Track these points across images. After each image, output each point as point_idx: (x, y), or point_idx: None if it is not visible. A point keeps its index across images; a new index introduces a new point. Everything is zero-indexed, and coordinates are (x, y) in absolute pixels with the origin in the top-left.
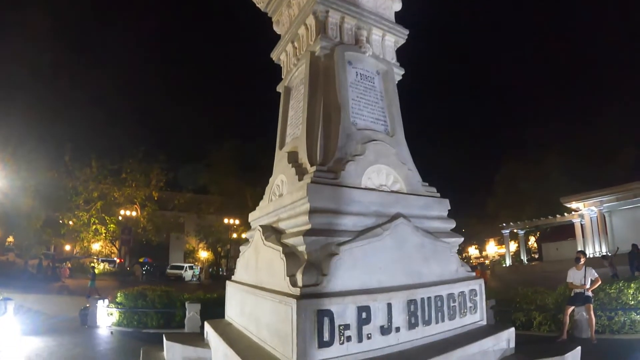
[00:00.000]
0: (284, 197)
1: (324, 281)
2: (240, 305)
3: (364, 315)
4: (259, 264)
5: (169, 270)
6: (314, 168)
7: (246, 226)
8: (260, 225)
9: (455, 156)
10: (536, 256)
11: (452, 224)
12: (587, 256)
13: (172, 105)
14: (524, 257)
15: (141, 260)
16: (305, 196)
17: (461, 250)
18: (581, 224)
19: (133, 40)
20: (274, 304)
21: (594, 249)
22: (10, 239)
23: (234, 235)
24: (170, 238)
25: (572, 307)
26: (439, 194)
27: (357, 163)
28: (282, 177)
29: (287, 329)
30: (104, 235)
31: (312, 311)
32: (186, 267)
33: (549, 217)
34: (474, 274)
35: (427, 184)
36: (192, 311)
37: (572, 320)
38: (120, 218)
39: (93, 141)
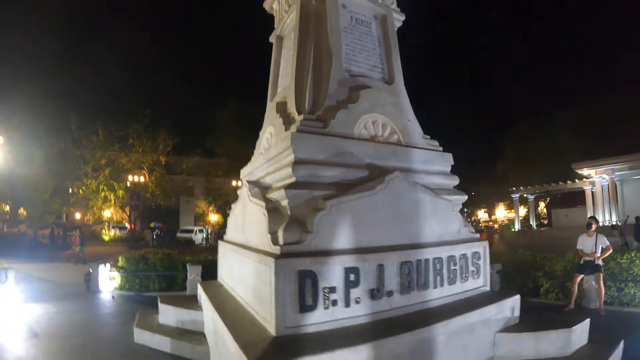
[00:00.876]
0: (271, 149)
1: (308, 239)
2: (230, 266)
3: (352, 277)
4: (245, 221)
5: (179, 234)
6: (301, 117)
7: None
8: (247, 181)
9: (466, 116)
10: (545, 222)
11: (455, 181)
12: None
13: (174, 68)
14: (533, 223)
15: (152, 225)
16: (290, 146)
17: (470, 213)
18: (592, 192)
19: (130, 2)
20: (255, 264)
21: (604, 217)
22: (22, 210)
23: None
24: (180, 202)
25: (581, 276)
26: (441, 148)
27: (349, 111)
28: (270, 129)
29: (267, 291)
30: (113, 201)
31: (293, 272)
32: (196, 231)
33: (560, 182)
34: (477, 235)
35: (428, 136)
36: (193, 273)
37: (580, 289)
38: (128, 184)
39: (98, 109)
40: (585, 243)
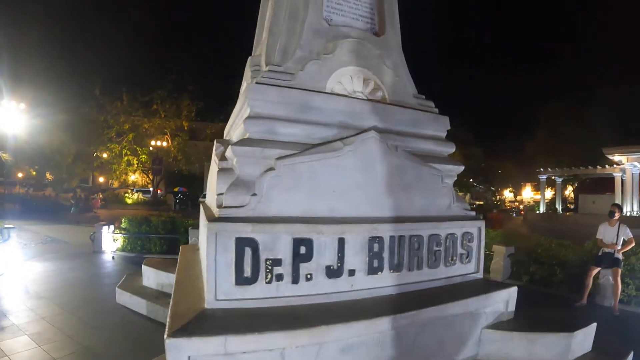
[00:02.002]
0: (237, 105)
1: (252, 202)
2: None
3: (302, 250)
4: (210, 182)
5: (201, 199)
6: (267, 68)
7: None
8: (216, 140)
9: (495, 93)
10: (572, 207)
11: (450, 148)
12: (623, 213)
13: (197, 32)
14: (558, 206)
15: (176, 189)
16: (247, 100)
17: (495, 191)
18: (622, 179)
19: None
20: (203, 227)
21: (632, 207)
22: (48, 175)
23: None
24: (204, 168)
25: (598, 269)
26: (436, 110)
27: (321, 62)
28: (244, 85)
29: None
30: (135, 166)
31: (229, 238)
32: None
33: (589, 167)
34: (473, 213)
35: (423, 96)
36: (193, 237)
37: (595, 283)
38: (151, 149)
39: (123, 75)
40: (605, 232)
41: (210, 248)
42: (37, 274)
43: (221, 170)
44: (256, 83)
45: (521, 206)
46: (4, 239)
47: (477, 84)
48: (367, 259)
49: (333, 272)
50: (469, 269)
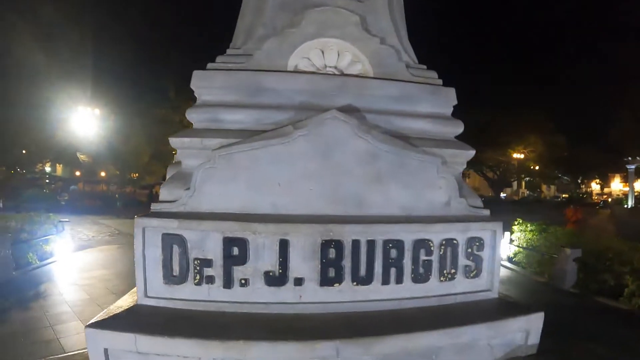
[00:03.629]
0: None
1: (184, 197)
2: None
3: (234, 251)
4: None
5: None
6: (226, 52)
7: None
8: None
9: (575, 75)
10: None
11: (456, 128)
12: None
13: None
14: None
15: None
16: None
17: (581, 183)
18: None
19: None
20: None
21: None
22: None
23: None
24: None
25: None
26: (439, 81)
27: (282, 38)
28: None
29: None
30: None
31: (157, 234)
32: None
33: None
34: (485, 212)
35: (424, 66)
36: None
37: None
38: None
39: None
40: None
41: (138, 243)
42: (86, 261)
43: (172, 164)
44: (206, 69)
45: (609, 199)
46: (58, 232)
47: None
48: (320, 266)
49: (274, 280)
50: (477, 285)
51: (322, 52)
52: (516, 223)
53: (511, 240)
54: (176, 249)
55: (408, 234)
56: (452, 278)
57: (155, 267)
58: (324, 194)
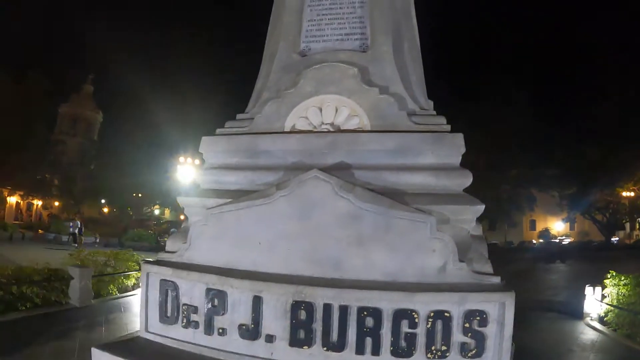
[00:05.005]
0: None
1: (182, 249)
2: None
3: (215, 301)
4: None
5: None
6: (237, 117)
7: None
8: None
9: None
10: None
11: (463, 179)
12: None
13: None
14: None
15: None
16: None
17: None
18: None
19: None
20: None
21: None
22: None
23: None
24: None
25: None
26: (448, 127)
27: (280, 101)
28: None
29: None
30: None
31: (157, 279)
32: None
33: None
34: (494, 280)
35: (433, 112)
36: None
37: None
38: None
39: None
40: None
41: (143, 285)
42: None
43: (185, 220)
44: (216, 135)
45: None
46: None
47: None
48: (290, 326)
49: (248, 333)
50: None
51: (320, 110)
52: (609, 276)
53: (603, 297)
54: (170, 294)
55: (388, 303)
56: (443, 356)
57: (154, 307)
58: (302, 254)
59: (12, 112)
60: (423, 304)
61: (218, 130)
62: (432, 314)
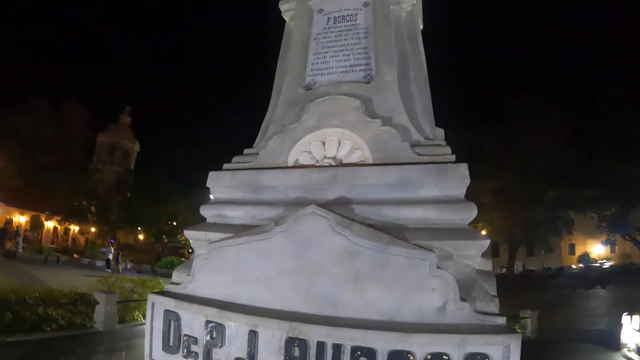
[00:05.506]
0: None
1: (185, 281)
2: None
3: (214, 334)
4: None
5: None
6: (244, 152)
7: (483, 222)
8: None
9: None
10: None
11: (468, 212)
12: None
13: None
14: None
15: None
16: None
17: None
18: None
19: None
20: None
21: None
22: None
23: None
24: None
25: None
26: (452, 157)
27: (284, 135)
28: None
29: None
30: None
31: (161, 309)
32: None
33: None
34: (499, 321)
35: (437, 141)
36: None
37: None
38: None
39: None
40: None
41: (148, 314)
42: None
43: (193, 252)
44: (222, 169)
45: None
46: None
47: None
48: None
49: None
50: None
51: (323, 144)
52: None
53: None
54: (173, 324)
55: (383, 343)
56: None
57: (158, 335)
58: (298, 291)
59: (51, 140)
60: (420, 346)
61: (225, 166)
62: (429, 357)
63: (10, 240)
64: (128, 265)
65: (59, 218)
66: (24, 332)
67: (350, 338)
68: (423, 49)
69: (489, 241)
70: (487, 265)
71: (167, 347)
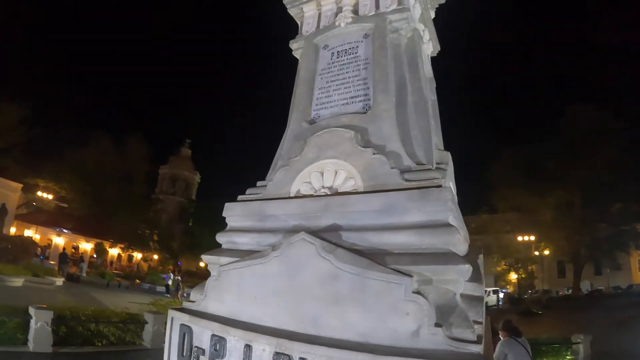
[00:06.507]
0: None
1: (199, 299)
2: None
3: (217, 346)
4: None
5: None
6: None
7: (546, 241)
8: None
9: None
10: None
11: (450, 236)
12: None
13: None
14: None
15: None
16: None
17: None
18: None
19: None
20: None
21: None
22: None
23: (536, 253)
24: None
25: None
26: (441, 181)
27: (287, 168)
28: None
29: None
30: None
31: (178, 323)
32: (489, 292)
33: None
34: (471, 348)
35: (431, 166)
36: None
37: None
38: None
39: None
40: None
41: (168, 327)
42: None
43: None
44: (236, 201)
45: None
46: None
47: None
48: None
49: None
50: None
51: (322, 174)
52: None
53: None
54: (187, 336)
55: None
56: None
57: (175, 346)
58: (288, 310)
59: (114, 173)
60: None
61: (239, 197)
62: None
63: (75, 265)
64: (187, 291)
65: (122, 245)
66: (76, 345)
67: (327, 357)
68: (426, 74)
69: (468, 266)
70: (477, 291)
71: (181, 357)
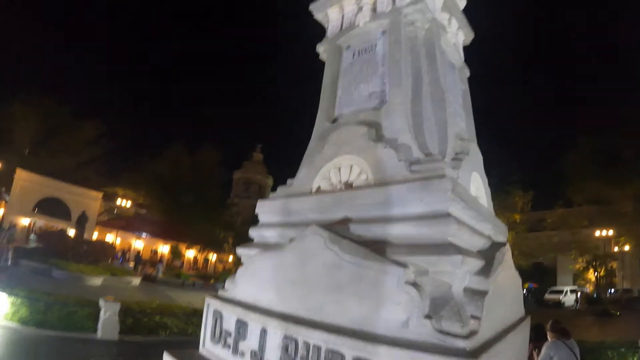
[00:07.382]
0: None
1: (230, 288)
2: None
3: (240, 330)
4: None
5: (547, 295)
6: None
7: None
8: None
9: None
10: None
11: (448, 227)
12: None
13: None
14: None
15: (526, 285)
16: None
17: None
18: None
19: None
20: None
21: None
22: None
23: (616, 249)
24: (557, 259)
25: None
26: (442, 171)
27: (309, 166)
28: None
29: None
30: None
31: (212, 309)
32: (566, 291)
33: None
34: (458, 343)
35: (440, 156)
36: None
37: None
38: None
39: None
40: None
41: (205, 312)
42: None
43: None
44: (267, 198)
45: None
46: None
47: None
48: (281, 356)
49: (255, 357)
50: None
51: (339, 170)
52: None
53: None
54: (218, 321)
55: (348, 349)
56: None
57: (209, 329)
58: (299, 297)
59: (190, 180)
60: (377, 357)
61: (270, 195)
62: None
63: (152, 267)
64: None
65: (198, 247)
66: (142, 334)
67: (324, 341)
68: (442, 62)
69: (461, 257)
70: (482, 285)
71: (213, 339)
